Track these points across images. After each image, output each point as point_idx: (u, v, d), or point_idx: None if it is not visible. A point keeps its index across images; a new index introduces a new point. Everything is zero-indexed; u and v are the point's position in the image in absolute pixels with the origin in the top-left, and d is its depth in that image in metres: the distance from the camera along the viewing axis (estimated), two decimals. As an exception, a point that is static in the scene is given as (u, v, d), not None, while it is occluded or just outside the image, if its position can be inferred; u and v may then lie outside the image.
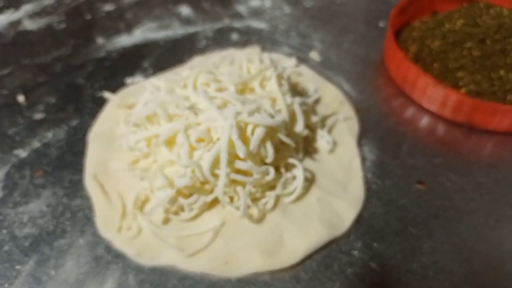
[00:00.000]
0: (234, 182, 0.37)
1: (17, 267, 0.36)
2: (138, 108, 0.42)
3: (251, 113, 0.37)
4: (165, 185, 0.37)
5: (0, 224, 0.39)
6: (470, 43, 0.47)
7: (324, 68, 0.53)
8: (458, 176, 0.42)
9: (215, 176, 0.36)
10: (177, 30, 0.58)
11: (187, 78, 0.40)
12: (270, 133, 0.38)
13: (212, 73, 0.41)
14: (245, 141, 0.36)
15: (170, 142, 0.38)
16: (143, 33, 0.58)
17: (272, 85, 0.41)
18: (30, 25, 0.59)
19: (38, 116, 0.48)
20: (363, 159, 0.44)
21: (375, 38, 0.58)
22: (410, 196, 0.41)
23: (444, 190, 0.41)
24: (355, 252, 0.37)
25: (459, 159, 0.44)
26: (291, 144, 0.39)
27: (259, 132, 0.37)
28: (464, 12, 0.49)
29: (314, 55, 0.54)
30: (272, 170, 0.38)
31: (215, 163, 0.36)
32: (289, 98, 0.41)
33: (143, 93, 0.46)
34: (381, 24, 0.60)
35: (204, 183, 0.38)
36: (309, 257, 0.37)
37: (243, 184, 0.37)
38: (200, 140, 0.37)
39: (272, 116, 0.38)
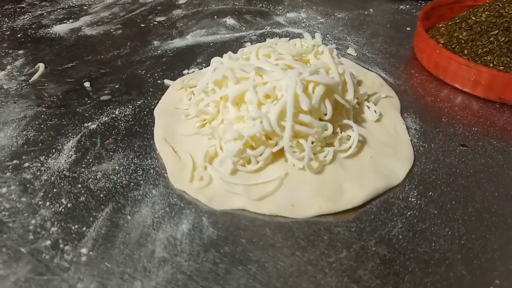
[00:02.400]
0: (297, 135, 0.41)
1: (94, 213, 0.39)
2: (205, 78, 0.46)
3: (311, 74, 0.41)
4: (235, 137, 0.40)
5: (75, 180, 0.42)
6: (496, 31, 0.52)
7: (361, 62, 0.58)
8: (497, 140, 0.46)
9: (281, 127, 0.40)
10: (224, 35, 0.65)
11: (249, 52, 0.45)
12: (328, 93, 0.42)
13: (271, 47, 0.46)
14: (307, 97, 0.40)
15: (237, 102, 0.42)
16: (194, 37, 0.64)
17: (325, 57, 0.45)
18: (89, 31, 0.66)
19: (105, 97, 0.52)
20: (408, 128, 0.47)
21: (403, 39, 0.64)
22: (456, 156, 0.44)
23: (486, 152, 0.45)
24: (412, 199, 0.40)
25: (495, 128, 0.48)
26: (346, 105, 0.43)
27: (320, 89, 0.41)
28: (487, 6, 0.55)
29: (351, 51, 0.59)
30: (330, 126, 0.42)
31: (281, 115, 0.40)
32: (340, 69, 0.45)
33: (202, 76, 0.51)
34: (408, 28, 0.67)
35: (268, 137, 0.41)
36: (368, 203, 0.39)
37: (306, 137, 0.41)
38: (267, 96, 0.41)
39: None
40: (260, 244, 0.36)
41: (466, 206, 0.39)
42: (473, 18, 0.55)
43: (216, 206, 0.39)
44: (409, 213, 0.38)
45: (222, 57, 0.48)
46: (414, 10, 0.73)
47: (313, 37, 0.49)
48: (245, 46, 0.61)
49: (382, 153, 0.43)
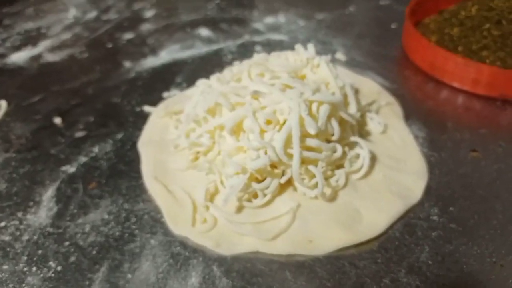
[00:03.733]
0: (304, 161, 0.37)
1: (89, 275, 0.34)
2: (194, 104, 0.42)
3: (314, 93, 0.37)
4: (237, 171, 0.36)
5: (61, 237, 0.37)
6: (488, 25, 0.50)
7: (352, 67, 0.55)
8: (506, 142, 0.44)
9: (288, 155, 0.36)
10: (201, 49, 0.60)
11: (241, 72, 0.41)
12: (333, 111, 0.38)
13: (263, 64, 0.42)
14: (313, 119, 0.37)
15: (235, 131, 0.38)
16: (169, 54, 0.59)
17: (323, 70, 0.42)
18: (51, 57, 0.60)
19: (79, 134, 0.47)
20: (415, 137, 0.45)
21: (391, 38, 0.61)
22: (468, 164, 0.42)
23: (497, 156, 0.43)
24: (434, 217, 0.37)
25: (502, 128, 0.46)
26: (352, 121, 0.40)
27: (325, 108, 0.37)
28: (476, 0, 0.52)
29: (340, 56, 0.56)
30: (339, 147, 0.38)
31: (287, 142, 0.36)
32: (340, 81, 0.42)
33: (187, 100, 0.47)
34: (393, 26, 0.64)
35: (273, 166, 0.37)
36: (390, 227, 0.36)
37: (314, 163, 0.37)
38: (268, 122, 0.37)
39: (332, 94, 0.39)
40: (282, 292, 0.32)
41: (489, 219, 0.37)
42: (463, 13, 0.53)
43: (225, 251, 0.35)
44: (433, 233, 0.36)
45: (203, 75, 0.44)
46: (395, 6, 0.71)
47: (305, 48, 0.45)
48: (226, 60, 0.57)
49: (395, 169, 0.40)
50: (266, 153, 0.36)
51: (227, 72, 0.44)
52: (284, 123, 0.37)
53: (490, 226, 0.36)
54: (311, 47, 0.44)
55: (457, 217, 0.37)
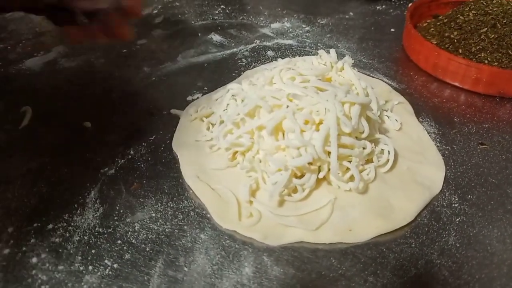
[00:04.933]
0: (339, 158, 0.40)
1: (146, 271, 0.36)
2: (226, 108, 0.44)
3: (346, 94, 0.41)
4: (279, 168, 0.39)
5: (112, 236, 0.38)
6: (485, 28, 0.55)
7: (360, 69, 0.59)
8: (509, 134, 0.49)
9: (326, 152, 0.39)
10: (215, 54, 0.62)
11: (272, 76, 0.44)
12: (362, 111, 0.42)
13: (293, 69, 0.45)
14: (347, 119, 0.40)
15: (274, 131, 0.41)
16: (185, 59, 0.61)
17: (347, 73, 0.45)
18: (67, 63, 0.61)
19: (111, 137, 0.48)
20: (428, 133, 0.49)
21: (392, 41, 0.66)
22: (479, 155, 0.46)
23: (503, 147, 0.47)
24: (456, 205, 0.41)
25: (503, 122, 0.51)
26: (378, 120, 0.44)
27: (356, 109, 0.41)
28: (472, 5, 0.57)
29: (348, 59, 0.60)
30: (369, 144, 0.42)
31: (325, 141, 0.39)
32: (363, 83, 0.45)
33: (214, 103, 0.49)
34: (392, 29, 0.69)
35: (310, 163, 0.40)
36: (418, 215, 0.40)
37: (347, 159, 0.41)
38: (305, 122, 0.40)
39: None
40: (330, 276, 0.35)
41: (504, 204, 0.41)
42: (461, 17, 0.57)
43: (273, 242, 0.38)
44: (457, 219, 0.40)
45: (222, 79, 0.45)
46: (391, 10, 0.76)
47: (328, 52, 0.48)
48: (241, 64, 0.60)
49: (416, 162, 0.44)
50: (306, 151, 0.39)
51: (256, 77, 0.47)
52: (320, 123, 0.40)
53: (506, 210, 0.41)
54: (333, 51, 0.48)
55: (476, 203, 0.41)
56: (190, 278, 0.35)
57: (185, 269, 0.36)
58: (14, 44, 0.65)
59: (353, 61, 0.59)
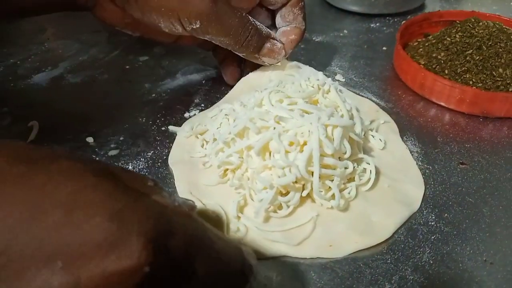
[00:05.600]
0: (322, 177, 0.43)
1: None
2: (219, 127, 0.47)
3: (329, 117, 0.43)
4: (265, 186, 0.42)
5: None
6: (471, 50, 0.57)
7: (350, 87, 0.62)
8: (489, 155, 0.51)
9: (309, 172, 0.42)
10: (212, 71, 0.65)
11: (262, 98, 0.47)
12: (345, 132, 0.45)
13: (281, 91, 0.47)
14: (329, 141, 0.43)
15: (261, 151, 0.43)
16: (184, 76, 0.64)
17: (332, 96, 0.48)
18: (73, 79, 0.64)
19: (113, 152, 0.51)
20: (410, 151, 0.51)
21: (383, 59, 0.68)
22: (458, 174, 0.49)
23: (482, 167, 0.50)
24: (432, 223, 0.43)
25: (484, 142, 0.53)
26: (360, 142, 0.46)
27: (339, 131, 0.43)
28: (460, 27, 0.60)
29: (340, 77, 0.63)
30: (350, 164, 0.45)
31: (308, 161, 0.42)
32: (348, 105, 0.48)
33: (209, 120, 0.52)
34: (384, 48, 0.71)
35: (295, 182, 0.43)
36: (395, 232, 0.43)
37: (330, 178, 0.43)
38: (290, 144, 0.43)
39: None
40: (310, 289, 0.38)
41: (478, 222, 0.44)
42: (448, 39, 0.60)
43: (258, 256, 0.40)
44: (432, 237, 0.42)
45: (218, 96, 0.48)
46: (384, 28, 0.78)
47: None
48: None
49: (397, 180, 0.47)
50: (290, 171, 0.42)
51: (247, 98, 0.50)
52: (304, 144, 0.43)
53: (479, 229, 0.43)
54: (320, 74, 0.50)
55: (451, 222, 0.43)
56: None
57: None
58: (23, 59, 0.68)
59: (344, 80, 0.62)
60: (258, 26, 0.52)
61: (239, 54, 0.55)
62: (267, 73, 0.57)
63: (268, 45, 0.54)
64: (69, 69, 0.66)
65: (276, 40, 0.55)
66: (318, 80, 0.50)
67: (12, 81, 0.63)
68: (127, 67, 0.67)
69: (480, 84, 0.56)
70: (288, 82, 0.51)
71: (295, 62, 0.59)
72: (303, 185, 0.43)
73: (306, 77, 0.51)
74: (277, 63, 0.57)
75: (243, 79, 0.59)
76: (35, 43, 0.73)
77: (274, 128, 0.44)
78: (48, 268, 0.21)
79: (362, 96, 0.60)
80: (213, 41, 0.53)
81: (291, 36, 0.56)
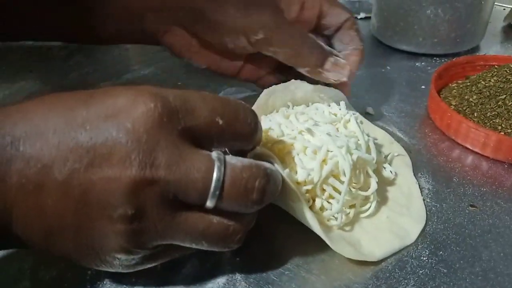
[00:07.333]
0: (330, 197, 0.45)
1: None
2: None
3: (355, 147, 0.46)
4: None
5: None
6: (504, 95, 0.57)
7: (378, 120, 0.64)
8: (504, 201, 0.50)
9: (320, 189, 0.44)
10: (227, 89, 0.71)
11: (290, 115, 0.49)
12: (364, 165, 0.47)
13: (307, 114, 0.50)
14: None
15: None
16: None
17: (352, 127, 0.50)
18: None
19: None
20: (421, 188, 0.52)
21: (418, 97, 0.69)
22: (465, 216, 0.48)
23: (493, 212, 0.49)
24: (424, 258, 0.44)
25: (503, 188, 0.52)
26: (375, 178, 0.48)
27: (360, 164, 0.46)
28: (496, 72, 0.59)
29: (370, 110, 0.65)
30: (360, 196, 0.46)
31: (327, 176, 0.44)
32: (366, 136, 0.50)
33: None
34: (423, 86, 0.72)
35: (307, 192, 0.44)
36: (383, 260, 0.44)
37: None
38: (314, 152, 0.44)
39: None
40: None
41: (473, 265, 0.43)
42: (483, 82, 0.60)
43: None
44: (421, 271, 0.43)
45: None
46: (429, 68, 0.79)
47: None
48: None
49: (398, 213, 0.48)
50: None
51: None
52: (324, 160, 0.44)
53: (473, 272, 0.42)
54: (342, 104, 0.53)
55: (445, 260, 0.43)
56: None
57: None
58: (95, 69, 0.80)
59: (373, 113, 0.64)
60: (319, 41, 0.54)
61: (301, 71, 0.55)
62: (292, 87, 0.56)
63: (331, 59, 0.53)
64: (131, 79, 0.75)
65: (340, 57, 0.54)
66: (340, 109, 0.53)
67: (81, 88, 0.74)
68: (179, 83, 0.74)
69: (509, 130, 0.55)
70: (312, 108, 0.53)
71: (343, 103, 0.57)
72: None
73: (327, 104, 0.53)
74: (343, 80, 0.56)
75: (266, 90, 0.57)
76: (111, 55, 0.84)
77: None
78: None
79: (386, 130, 0.61)
80: (276, 56, 0.53)
81: (352, 57, 0.56)
